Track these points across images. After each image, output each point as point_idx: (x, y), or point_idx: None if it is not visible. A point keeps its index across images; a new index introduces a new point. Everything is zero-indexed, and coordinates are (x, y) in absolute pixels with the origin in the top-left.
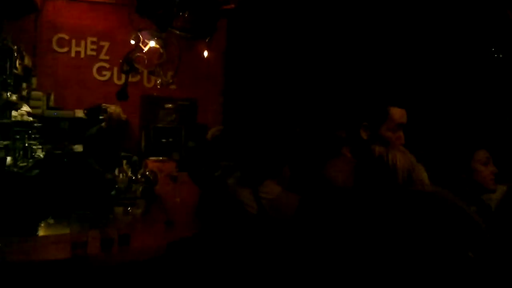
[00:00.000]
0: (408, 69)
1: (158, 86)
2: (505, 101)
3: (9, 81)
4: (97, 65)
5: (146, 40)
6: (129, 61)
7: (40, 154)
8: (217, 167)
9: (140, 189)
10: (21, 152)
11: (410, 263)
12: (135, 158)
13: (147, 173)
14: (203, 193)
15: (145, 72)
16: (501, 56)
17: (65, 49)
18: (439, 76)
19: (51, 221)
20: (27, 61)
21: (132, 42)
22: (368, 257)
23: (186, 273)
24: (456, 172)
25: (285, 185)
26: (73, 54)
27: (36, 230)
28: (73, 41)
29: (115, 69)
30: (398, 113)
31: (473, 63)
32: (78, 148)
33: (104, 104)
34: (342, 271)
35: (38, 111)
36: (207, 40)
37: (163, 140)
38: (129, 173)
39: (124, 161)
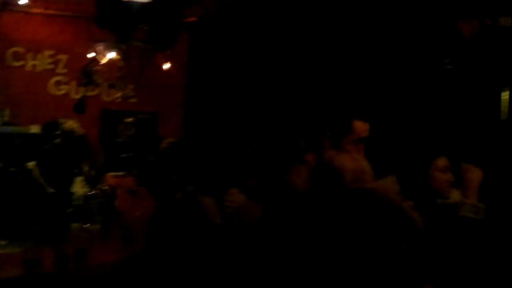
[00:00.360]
0: (369, 79)
1: (118, 100)
2: (458, 110)
3: None
4: (54, 79)
5: (105, 53)
6: (88, 73)
7: None
8: (168, 181)
9: (98, 204)
10: None
11: (352, 256)
12: (93, 173)
13: (105, 188)
14: (159, 206)
15: (105, 86)
16: (453, 67)
17: (21, 63)
18: (399, 86)
19: (3, 242)
20: None
21: (91, 54)
22: (323, 258)
23: (145, 286)
24: (414, 177)
25: (249, 194)
26: (29, 68)
27: None
28: (29, 55)
29: (73, 83)
30: (361, 127)
31: (429, 74)
32: (32, 165)
33: (60, 119)
34: (303, 275)
35: None
36: (168, 53)
37: (123, 155)
38: (87, 189)
39: (82, 177)
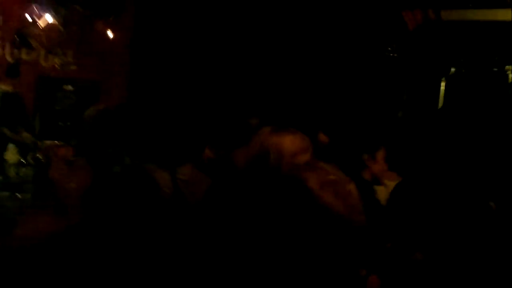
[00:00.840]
0: (314, 65)
1: (57, 66)
2: (399, 97)
3: None
4: None
5: (42, 15)
6: (23, 36)
7: None
8: (104, 152)
9: (31, 173)
10: None
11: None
12: (27, 140)
13: (39, 156)
14: (96, 178)
15: (43, 51)
16: (396, 55)
17: None
18: (342, 75)
19: None
20: None
21: (27, 16)
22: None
23: (78, 259)
24: (360, 157)
25: (202, 168)
26: None
27: None
28: None
29: (7, 46)
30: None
31: (371, 63)
32: None
33: None
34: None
35: None
36: (111, 20)
37: (60, 124)
38: (19, 156)
39: (15, 144)
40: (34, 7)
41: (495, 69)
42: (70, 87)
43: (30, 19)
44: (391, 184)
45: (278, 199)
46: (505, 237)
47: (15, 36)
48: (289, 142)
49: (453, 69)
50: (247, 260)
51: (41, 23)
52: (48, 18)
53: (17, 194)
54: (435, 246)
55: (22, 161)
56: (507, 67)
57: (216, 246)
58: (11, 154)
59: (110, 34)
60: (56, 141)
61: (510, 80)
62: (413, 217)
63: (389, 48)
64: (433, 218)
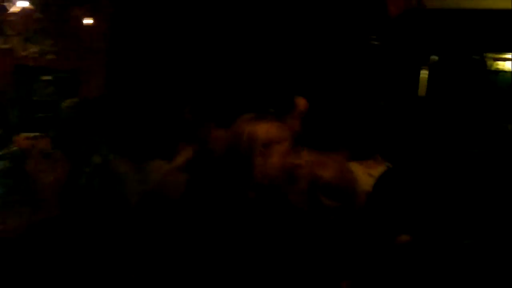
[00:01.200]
0: (295, 54)
1: (35, 55)
2: (380, 86)
3: None
4: None
5: (18, 1)
6: None
7: None
8: (82, 144)
9: (6, 166)
10: None
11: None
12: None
13: (15, 149)
14: (73, 170)
15: (19, 38)
16: (379, 44)
17: None
18: (324, 64)
19: None
20: None
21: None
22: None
23: (51, 254)
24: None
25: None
26: None
27: None
28: None
29: None
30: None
31: (353, 51)
32: None
33: None
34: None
35: None
36: (89, 8)
37: (39, 115)
38: None
39: None
40: None
41: (476, 57)
42: (48, 77)
43: (2, 5)
44: (373, 172)
45: (240, 188)
46: (501, 227)
47: None
48: (264, 130)
49: (434, 57)
50: (223, 253)
51: (12, 9)
52: (21, 3)
53: None
54: (425, 234)
55: None
56: (487, 54)
57: (195, 240)
58: None
59: (87, 21)
60: (33, 133)
61: (491, 68)
62: (401, 205)
63: (371, 36)
64: (420, 206)
